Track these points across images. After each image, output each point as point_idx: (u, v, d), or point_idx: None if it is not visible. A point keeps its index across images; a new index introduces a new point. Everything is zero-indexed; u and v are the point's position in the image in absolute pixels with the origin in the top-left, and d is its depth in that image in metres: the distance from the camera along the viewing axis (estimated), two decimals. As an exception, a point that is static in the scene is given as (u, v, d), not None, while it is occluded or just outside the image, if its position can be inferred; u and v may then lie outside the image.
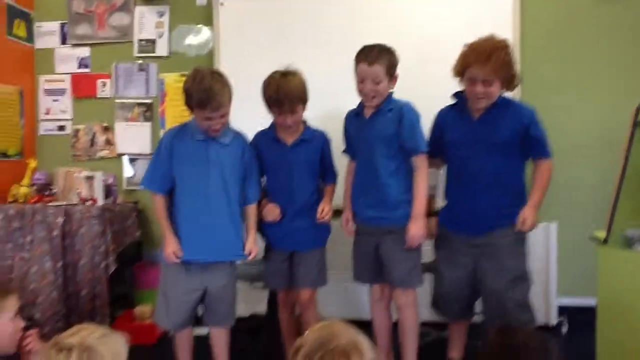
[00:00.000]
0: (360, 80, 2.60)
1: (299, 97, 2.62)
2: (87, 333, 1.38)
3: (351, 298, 3.52)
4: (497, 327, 1.47)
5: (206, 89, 2.41)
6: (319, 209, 2.71)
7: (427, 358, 2.92)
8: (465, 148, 2.63)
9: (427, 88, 3.25)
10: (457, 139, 2.66)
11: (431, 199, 2.79)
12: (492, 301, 2.62)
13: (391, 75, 2.59)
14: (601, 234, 2.53)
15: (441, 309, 2.81)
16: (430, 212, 2.76)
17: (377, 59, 2.55)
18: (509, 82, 2.56)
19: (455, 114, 2.70)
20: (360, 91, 2.62)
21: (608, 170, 2.65)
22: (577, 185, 3.64)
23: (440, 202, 2.85)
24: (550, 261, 3.51)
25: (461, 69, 2.57)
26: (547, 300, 3.51)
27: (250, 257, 2.63)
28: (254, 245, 2.65)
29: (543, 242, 3.50)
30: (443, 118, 2.75)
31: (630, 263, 2.43)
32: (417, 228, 2.59)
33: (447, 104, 2.76)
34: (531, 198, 2.61)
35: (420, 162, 2.63)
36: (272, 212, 2.72)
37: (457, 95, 2.69)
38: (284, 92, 2.57)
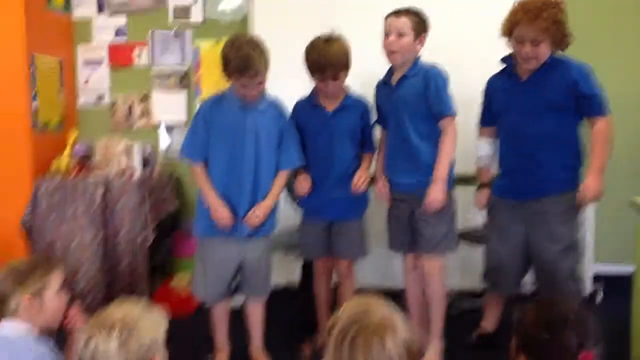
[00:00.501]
0: (386, 34, 2.56)
1: (342, 63, 2.59)
2: (127, 311, 1.41)
3: (386, 267, 3.49)
4: (535, 301, 1.45)
5: (244, 56, 2.40)
6: (355, 178, 2.68)
7: (459, 327, 2.90)
8: (514, 112, 2.56)
9: (463, 55, 3.16)
10: (505, 103, 2.60)
11: (486, 169, 2.76)
12: (543, 271, 2.57)
13: (418, 33, 2.53)
14: (643, 200, 2.42)
15: (494, 283, 2.78)
16: (483, 183, 2.72)
17: (404, 13, 2.54)
18: (560, 41, 2.46)
19: (503, 78, 2.64)
20: (384, 46, 2.58)
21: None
22: (618, 149, 3.48)
23: (494, 172, 2.79)
24: (587, 227, 3.40)
25: (509, 27, 2.49)
26: (582, 267, 3.40)
27: (251, 218, 2.55)
28: (259, 214, 2.57)
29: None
30: (491, 85, 2.70)
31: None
32: (437, 192, 2.52)
33: (484, 71, 2.68)
34: (590, 163, 2.51)
35: (447, 125, 2.56)
36: (302, 183, 2.70)
37: (505, 59, 2.61)
38: (327, 57, 2.55)
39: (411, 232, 2.67)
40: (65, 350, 1.90)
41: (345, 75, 2.65)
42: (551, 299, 1.50)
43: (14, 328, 1.75)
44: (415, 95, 2.56)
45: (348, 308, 1.26)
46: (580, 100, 2.47)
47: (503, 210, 2.65)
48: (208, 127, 2.57)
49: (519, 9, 2.45)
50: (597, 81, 2.49)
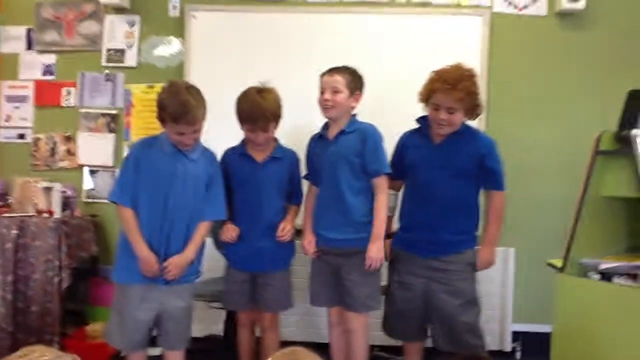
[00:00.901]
0: (321, 92, 2.64)
1: (273, 114, 2.61)
2: (37, 355, 1.30)
3: (310, 320, 3.45)
4: (464, 356, 1.45)
5: (182, 103, 2.37)
6: (280, 227, 2.67)
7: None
8: (425, 172, 2.67)
9: (395, 113, 3.24)
10: (417, 162, 2.70)
11: (388, 220, 2.80)
12: (442, 324, 2.65)
13: (352, 90, 2.62)
14: (558, 262, 2.57)
15: (392, 330, 2.81)
16: (387, 235, 2.77)
17: (338, 71, 2.63)
18: (472, 111, 2.62)
19: (417, 137, 2.75)
20: (320, 102, 2.65)
21: (568, 197, 2.67)
22: (536, 211, 3.66)
23: (396, 224, 2.84)
24: (507, 286, 3.54)
25: (427, 94, 2.62)
26: (502, 325, 3.54)
27: (167, 269, 2.46)
28: (172, 268, 2.47)
29: (501, 267, 3.51)
30: (405, 141, 2.80)
31: (586, 291, 2.46)
32: (378, 250, 2.59)
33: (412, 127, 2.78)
34: (486, 235, 2.70)
35: (381, 184, 2.64)
36: (229, 232, 2.66)
37: (420, 120, 2.72)
38: (258, 109, 2.56)
39: (337, 287, 2.68)
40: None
41: (276, 127, 2.67)
42: (475, 355, 1.50)
43: None
44: (352, 151, 2.62)
45: (276, 357, 1.22)
46: (484, 172, 2.64)
47: (405, 262, 2.71)
48: (138, 171, 2.50)
49: (436, 78, 2.60)
50: (500, 156, 2.68)
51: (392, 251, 2.76)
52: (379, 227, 2.60)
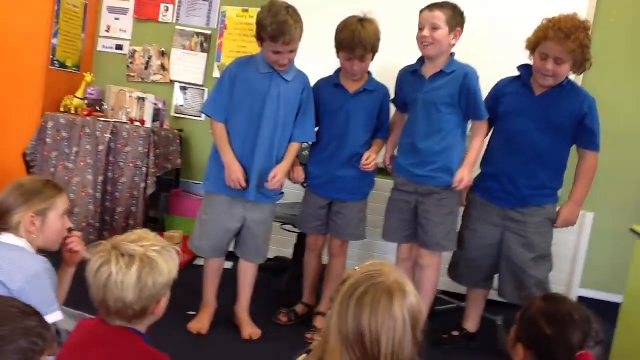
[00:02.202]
0: (420, 28, 2.59)
1: (372, 45, 2.61)
2: (149, 244, 1.37)
3: (371, 255, 3.51)
4: (542, 295, 1.47)
5: (281, 22, 2.41)
6: (365, 156, 2.69)
7: (443, 325, 2.93)
8: (519, 121, 2.61)
9: (491, 57, 3.16)
10: (513, 110, 2.63)
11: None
12: (512, 275, 2.65)
13: (452, 27, 2.55)
14: (641, 228, 2.50)
15: (459, 275, 2.83)
16: None
17: (438, 6, 2.56)
18: (580, 65, 2.51)
19: (517, 86, 2.67)
20: (418, 39, 2.60)
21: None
22: (622, 177, 3.53)
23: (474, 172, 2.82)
24: (580, 251, 3.45)
25: (536, 42, 2.53)
26: (569, 288, 3.47)
27: (273, 182, 2.56)
28: (282, 173, 2.60)
29: (576, 230, 3.39)
30: (502, 89, 2.72)
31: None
32: (464, 173, 2.58)
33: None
34: (574, 193, 2.63)
35: (480, 128, 2.65)
36: (297, 175, 2.76)
37: (522, 68, 2.64)
38: (358, 37, 2.56)
39: (413, 223, 2.70)
40: (60, 272, 1.91)
41: (372, 58, 2.66)
42: (559, 295, 1.50)
43: (13, 242, 1.76)
44: (450, 93, 2.58)
45: (363, 267, 1.25)
46: (582, 130, 2.56)
47: (484, 210, 2.70)
48: (233, 88, 2.58)
49: (550, 26, 2.48)
50: (599, 117, 2.58)
51: (468, 197, 2.76)
52: (471, 158, 2.61)
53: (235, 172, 2.53)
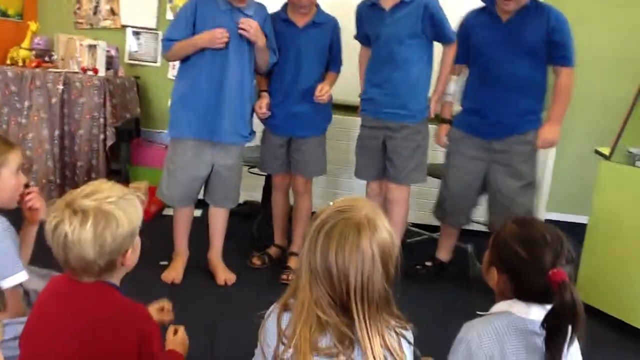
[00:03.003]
0: None
1: None
2: (103, 196, 1.29)
3: (341, 193, 3.52)
4: (513, 218, 1.47)
5: None
6: (318, 88, 2.64)
7: (416, 256, 2.97)
8: (491, 50, 2.58)
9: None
10: (484, 40, 2.61)
11: (449, 105, 2.78)
12: (501, 207, 2.64)
13: None
14: (605, 150, 2.55)
15: (445, 215, 2.83)
16: (446, 119, 2.77)
17: None
18: None
19: (483, 17, 2.64)
20: None
21: (623, 97, 2.57)
22: (587, 105, 3.56)
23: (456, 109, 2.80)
24: (545, 176, 3.51)
25: None
26: (536, 213, 3.52)
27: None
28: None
29: (540, 156, 3.45)
30: (470, 21, 2.69)
31: (630, 179, 2.45)
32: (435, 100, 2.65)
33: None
34: (551, 112, 2.61)
35: (449, 50, 2.65)
36: (261, 106, 2.68)
37: None
38: None
39: (382, 159, 2.69)
40: (22, 230, 1.84)
41: None
42: (529, 218, 1.51)
43: (-33, 202, 1.68)
44: (412, 24, 2.53)
45: (337, 202, 1.23)
46: (552, 46, 2.51)
47: (466, 144, 2.69)
48: (193, 23, 2.47)
49: None
50: (570, 33, 2.53)
51: (451, 134, 2.75)
52: (442, 82, 2.67)
53: (212, 32, 2.43)
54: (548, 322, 1.19)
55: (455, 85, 2.76)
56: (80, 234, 1.24)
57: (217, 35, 2.42)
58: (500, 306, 1.34)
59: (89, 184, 1.36)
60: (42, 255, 1.84)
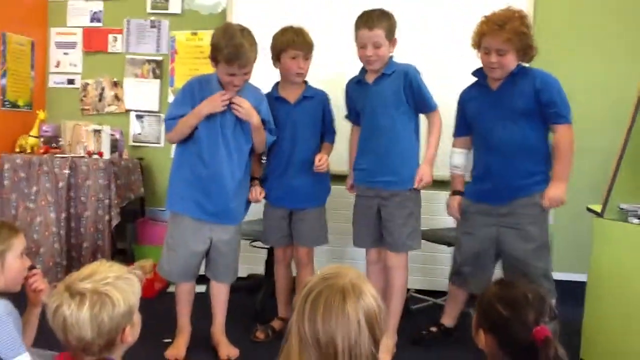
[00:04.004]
0: (361, 46, 2.63)
1: (312, 44, 2.73)
2: (100, 277, 1.35)
3: (345, 263, 3.54)
4: (495, 280, 1.51)
5: (237, 45, 2.42)
6: (317, 158, 2.72)
7: (421, 322, 2.96)
8: (486, 119, 2.65)
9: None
10: (477, 111, 2.69)
11: (460, 177, 2.85)
12: (515, 270, 2.61)
13: (390, 38, 2.62)
14: (597, 207, 2.58)
15: (465, 280, 2.81)
16: (457, 190, 2.83)
17: (377, 24, 2.58)
18: (524, 52, 2.56)
19: (475, 89, 2.74)
20: (361, 57, 2.66)
21: (610, 148, 2.62)
22: (578, 160, 3.59)
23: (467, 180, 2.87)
24: (546, 236, 3.52)
25: (477, 39, 2.60)
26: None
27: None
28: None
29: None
30: (464, 96, 2.80)
31: (624, 235, 2.47)
32: (424, 170, 2.66)
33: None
34: (554, 171, 2.61)
35: (435, 118, 2.71)
36: (256, 194, 2.76)
37: (476, 72, 2.71)
38: (303, 36, 2.69)
39: (378, 227, 2.73)
40: (26, 312, 1.88)
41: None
42: (512, 279, 1.55)
43: (-28, 287, 1.73)
44: (394, 93, 2.64)
45: (322, 270, 1.28)
46: (544, 107, 2.57)
47: (476, 213, 2.72)
48: (194, 103, 2.57)
49: (484, 21, 2.56)
50: (560, 90, 2.58)
51: (462, 205, 2.78)
52: (431, 153, 2.69)
53: (213, 95, 2.52)
54: (536, 379, 1.21)
55: (463, 159, 2.83)
56: (78, 316, 1.30)
57: (217, 98, 2.52)
58: (490, 367, 1.36)
59: (87, 266, 1.42)
60: (47, 336, 1.89)
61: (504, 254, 2.65)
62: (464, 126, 2.78)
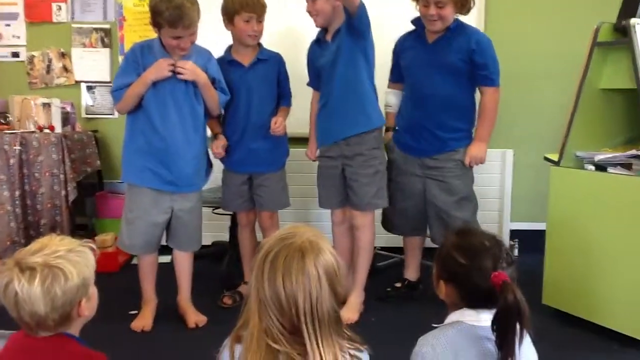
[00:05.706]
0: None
1: (265, 6, 2.67)
2: (51, 251, 1.31)
3: (306, 217, 3.56)
4: (453, 230, 1.52)
5: (178, 6, 2.34)
6: (272, 121, 2.71)
7: (387, 279, 3.00)
8: (418, 71, 2.69)
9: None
10: (411, 62, 2.72)
11: (393, 114, 2.89)
12: (438, 220, 2.73)
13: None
14: (554, 156, 2.63)
15: (391, 226, 2.91)
16: (391, 127, 2.88)
17: None
18: (462, 5, 2.57)
19: (412, 39, 2.75)
20: (308, 11, 2.63)
21: (568, 100, 2.64)
22: (536, 114, 3.67)
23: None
24: (506, 187, 3.62)
25: None
26: (500, 224, 3.64)
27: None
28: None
29: (499, 169, 3.60)
30: (401, 44, 2.81)
31: (581, 182, 2.53)
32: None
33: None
34: (477, 131, 2.71)
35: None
36: (217, 147, 2.73)
37: (415, 21, 2.70)
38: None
39: (343, 187, 2.73)
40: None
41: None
42: (468, 228, 1.57)
43: None
44: (345, 47, 2.59)
45: (279, 231, 1.27)
46: (475, 68, 2.62)
47: (402, 163, 2.79)
48: (139, 71, 2.49)
49: None
50: (493, 53, 2.62)
51: (392, 149, 2.83)
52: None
53: (158, 61, 2.45)
54: (496, 324, 1.23)
55: (395, 98, 2.87)
56: (29, 291, 1.26)
57: (162, 64, 2.45)
58: (452, 317, 1.38)
59: (37, 241, 1.38)
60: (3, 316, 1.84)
61: (429, 204, 2.75)
62: (398, 74, 2.81)
